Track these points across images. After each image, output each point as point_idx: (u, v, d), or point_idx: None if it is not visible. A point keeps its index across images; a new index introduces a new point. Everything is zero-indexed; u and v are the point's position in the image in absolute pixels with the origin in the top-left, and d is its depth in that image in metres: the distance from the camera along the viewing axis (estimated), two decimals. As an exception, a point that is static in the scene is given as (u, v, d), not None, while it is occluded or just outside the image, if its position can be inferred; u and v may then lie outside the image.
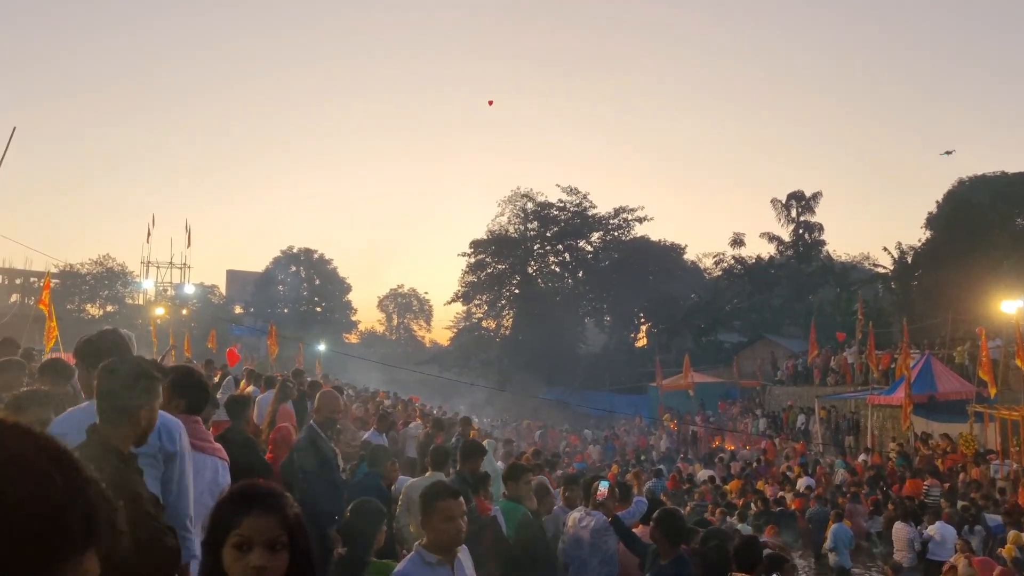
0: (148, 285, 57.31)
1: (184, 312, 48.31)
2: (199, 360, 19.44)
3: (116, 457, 2.62)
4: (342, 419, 11.26)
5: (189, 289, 58.53)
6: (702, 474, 22.33)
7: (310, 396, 9.90)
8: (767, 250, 53.14)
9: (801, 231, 51.66)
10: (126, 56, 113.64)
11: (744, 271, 52.43)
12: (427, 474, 7.11)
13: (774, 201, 52.17)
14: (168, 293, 58.12)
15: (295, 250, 71.17)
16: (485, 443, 10.81)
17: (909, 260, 41.82)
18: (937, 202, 39.94)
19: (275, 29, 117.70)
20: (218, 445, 4.16)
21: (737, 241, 53.50)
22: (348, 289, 73.59)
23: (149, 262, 57.99)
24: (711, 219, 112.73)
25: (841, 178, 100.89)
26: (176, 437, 3.30)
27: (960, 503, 15.37)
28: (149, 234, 66.73)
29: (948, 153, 48.93)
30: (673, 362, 42.58)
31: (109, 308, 61.32)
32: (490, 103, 69.97)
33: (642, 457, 28.77)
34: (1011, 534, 12.34)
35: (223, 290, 74.75)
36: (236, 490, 2.02)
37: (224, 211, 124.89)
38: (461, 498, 3.85)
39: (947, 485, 17.13)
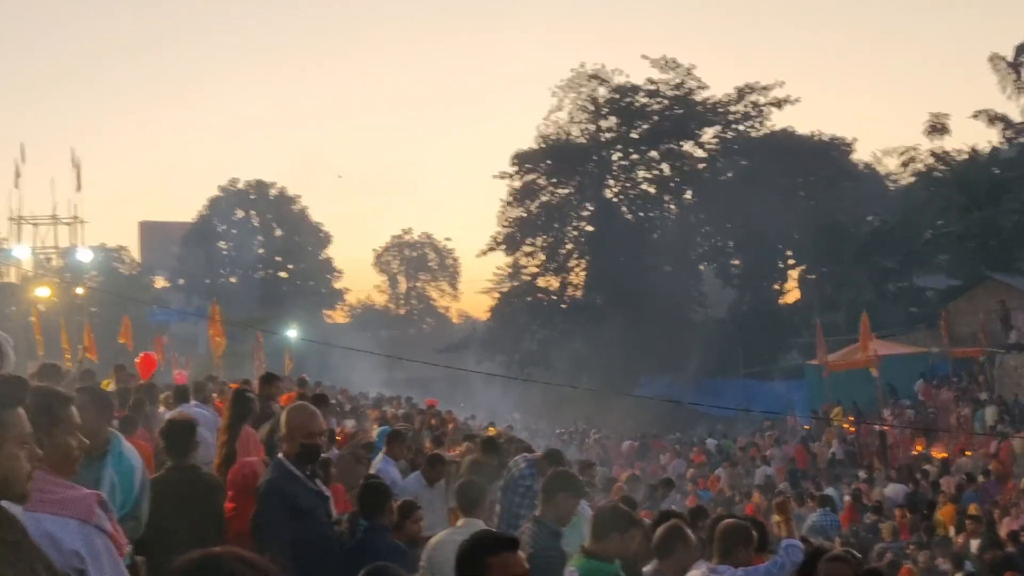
0: (22, 253, 57.36)
1: (80, 291, 48.79)
2: (106, 365, 19.85)
3: None
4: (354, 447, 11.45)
5: (84, 255, 57.72)
6: (895, 496, 22.46)
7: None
8: (986, 138, 52.53)
9: (1041, 103, 50.89)
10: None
11: (951, 175, 51.69)
12: (458, 523, 7.27)
13: (994, 59, 51.41)
14: (53, 263, 58.69)
15: (240, 185, 71.95)
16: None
17: None
18: None
19: None
20: (80, 495, 3.81)
21: (937, 127, 52.98)
22: (327, 241, 74.81)
23: (21, 218, 58.40)
24: (892, 97, 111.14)
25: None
26: None
27: None
28: (18, 174, 66.67)
29: None
30: (844, 326, 42.36)
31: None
32: None
33: (800, 477, 28.86)
34: None
35: (136, 254, 75.65)
36: (177, 568, 2.22)
37: (129, 136, 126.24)
38: (520, 553, 3.92)
39: None
